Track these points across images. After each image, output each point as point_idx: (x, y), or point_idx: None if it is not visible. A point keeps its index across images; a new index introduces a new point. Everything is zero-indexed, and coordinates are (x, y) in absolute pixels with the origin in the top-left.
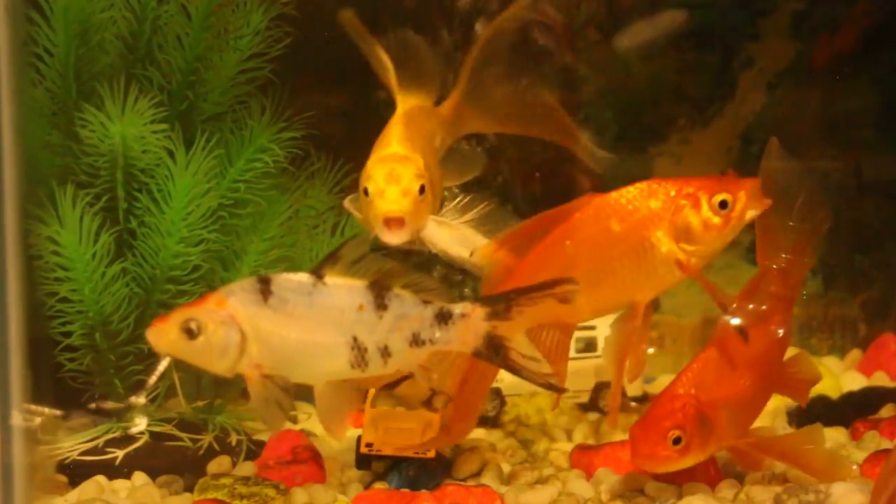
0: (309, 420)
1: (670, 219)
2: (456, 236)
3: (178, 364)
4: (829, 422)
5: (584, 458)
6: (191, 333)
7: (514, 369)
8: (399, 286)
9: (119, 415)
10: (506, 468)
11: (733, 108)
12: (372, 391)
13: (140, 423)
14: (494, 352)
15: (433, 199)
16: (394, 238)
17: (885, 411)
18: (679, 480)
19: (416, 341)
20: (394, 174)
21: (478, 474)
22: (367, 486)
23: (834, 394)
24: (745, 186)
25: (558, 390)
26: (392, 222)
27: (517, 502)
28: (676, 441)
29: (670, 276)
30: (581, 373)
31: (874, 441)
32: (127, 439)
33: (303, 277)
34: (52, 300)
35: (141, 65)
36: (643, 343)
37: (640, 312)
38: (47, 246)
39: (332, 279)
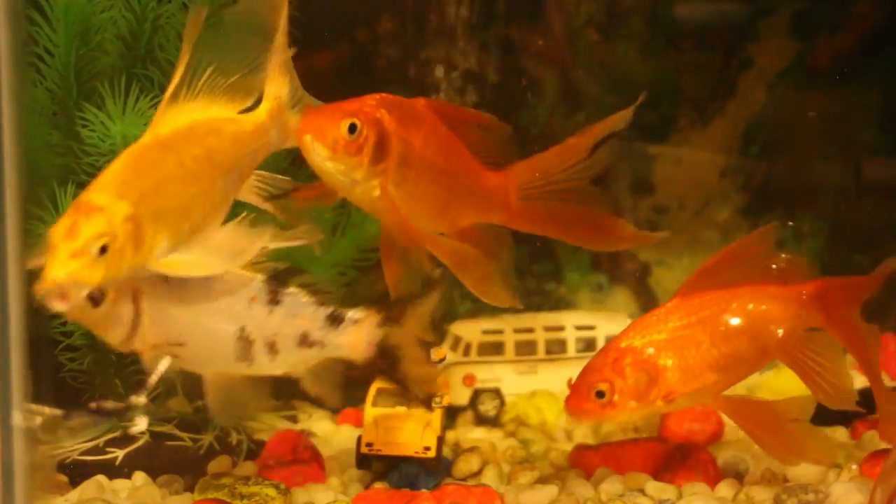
0: (309, 420)
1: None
2: (197, 258)
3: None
4: (829, 421)
5: (583, 458)
6: (94, 301)
7: (401, 382)
8: (296, 285)
9: (119, 415)
10: (506, 468)
11: (733, 108)
12: (372, 391)
13: (140, 423)
14: (387, 362)
15: (134, 256)
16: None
17: None
18: (679, 480)
19: (305, 342)
20: (74, 230)
21: (478, 474)
22: (367, 486)
23: None
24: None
25: (429, 408)
26: (50, 293)
27: (517, 502)
28: (600, 395)
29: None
30: None
31: (874, 441)
32: (127, 439)
33: None
34: None
35: (141, 64)
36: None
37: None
38: None
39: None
